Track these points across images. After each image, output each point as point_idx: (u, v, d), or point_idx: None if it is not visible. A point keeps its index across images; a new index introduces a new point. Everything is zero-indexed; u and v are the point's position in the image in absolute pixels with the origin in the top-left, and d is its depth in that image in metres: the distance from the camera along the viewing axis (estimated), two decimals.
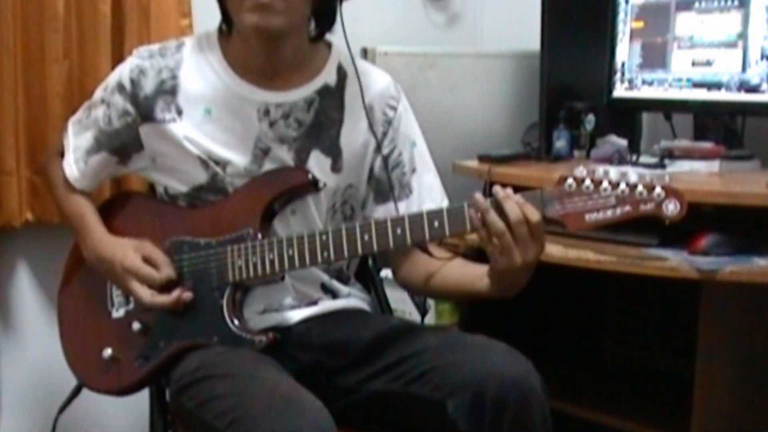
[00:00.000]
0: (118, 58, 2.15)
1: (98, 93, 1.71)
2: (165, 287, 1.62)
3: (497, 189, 1.47)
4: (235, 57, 1.64)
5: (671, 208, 1.40)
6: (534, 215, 1.44)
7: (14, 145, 2.12)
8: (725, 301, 1.88)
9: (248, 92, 1.63)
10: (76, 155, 1.72)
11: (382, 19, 2.61)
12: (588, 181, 1.43)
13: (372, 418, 1.59)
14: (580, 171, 1.44)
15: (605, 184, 1.42)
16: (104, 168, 1.72)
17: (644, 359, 2.49)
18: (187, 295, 1.61)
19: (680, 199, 1.40)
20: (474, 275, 1.56)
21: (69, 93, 2.15)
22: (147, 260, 1.63)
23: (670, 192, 1.40)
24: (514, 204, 1.44)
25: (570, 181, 1.44)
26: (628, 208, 1.41)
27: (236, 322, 1.59)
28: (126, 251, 1.64)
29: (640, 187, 1.40)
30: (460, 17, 2.86)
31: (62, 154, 1.75)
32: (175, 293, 1.61)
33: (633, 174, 1.42)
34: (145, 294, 1.62)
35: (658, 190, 1.40)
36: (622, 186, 1.41)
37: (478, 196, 1.47)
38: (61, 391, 1.79)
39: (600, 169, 1.44)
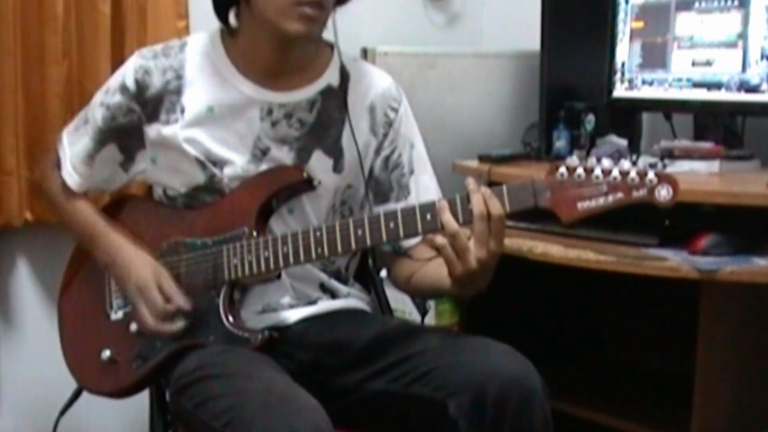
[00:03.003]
0: (117, 59, 2.16)
1: (97, 97, 1.70)
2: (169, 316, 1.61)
3: (469, 181, 1.45)
4: (240, 57, 1.64)
5: (663, 193, 1.38)
6: (496, 209, 1.42)
7: (14, 145, 2.12)
8: (725, 301, 1.88)
9: (252, 92, 1.64)
10: (74, 162, 1.71)
11: (382, 19, 2.61)
12: (580, 170, 1.41)
13: (372, 418, 1.59)
14: (572, 160, 1.43)
15: (597, 171, 1.40)
16: (108, 165, 1.71)
17: (644, 359, 2.49)
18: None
19: (673, 185, 1.38)
20: (444, 275, 1.54)
21: (68, 93, 2.16)
22: (160, 289, 1.61)
23: (662, 177, 1.38)
24: (480, 197, 1.43)
25: (562, 169, 1.42)
26: (620, 194, 1.39)
27: (231, 319, 1.59)
28: (142, 271, 1.62)
29: (632, 173, 1.39)
30: (460, 17, 2.86)
31: (59, 165, 1.74)
32: (176, 325, 1.60)
33: (626, 162, 1.40)
34: (150, 321, 1.60)
35: (650, 175, 1.38)
36: (615, 173, 1.39)
37: (442, 202, 1.46)
38: (61, 391, 1.79)
39: (593, 158, 1.42)
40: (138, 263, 1.64)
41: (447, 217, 1.44)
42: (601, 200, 1.40)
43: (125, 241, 1.68)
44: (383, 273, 1.92)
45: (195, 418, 1.48)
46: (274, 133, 1.64)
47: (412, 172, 1.72)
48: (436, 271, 1.56)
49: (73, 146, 1.72)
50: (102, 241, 1.69)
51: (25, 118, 2.14)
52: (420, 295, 1.74)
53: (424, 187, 1.72)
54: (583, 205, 1.41)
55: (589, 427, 2.13)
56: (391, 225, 1.49)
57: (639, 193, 1.39)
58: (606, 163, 1.40)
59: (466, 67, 2.56)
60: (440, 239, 1.45)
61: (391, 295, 1.90)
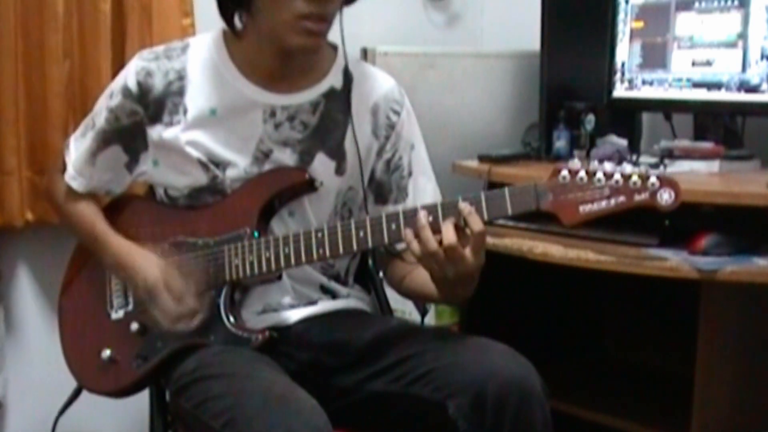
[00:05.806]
0: (119, 58, 2.16)
1: (101, 102, 1.70)
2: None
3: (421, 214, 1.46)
4: (243, 59, 1.64)
5: (666, 197, 1.38)
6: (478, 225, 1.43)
7: (15, 145, 2.12)
8: (725, 301, 1.88)
9: (255, 94, 1.63)
10: (77, 164, 1.71)
11: (382, 19, 2.61)
12: (582, 173, 1.41)
13: (371, 418, 1.59)
14: (575, 163, 1.43)
15: (599, 175, 1.40)
16: (113, 166, 1.70)
17: (644, 359, 2.49)
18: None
19: (675, 189, 1.38)
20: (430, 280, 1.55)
21: (70, 93, 2.16)
22: (169, 290, 1.59)
23: (664, 181, 1.39)
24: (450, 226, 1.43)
25: (564, 173, 1.42)
26: (622, 198, 1.40)
27: (232, 319, 1.60)
28: (149, 274, 1.61)
29: (634, 177, 1.39)
30: (460, 17, 2.86)
31: (63, 170, 1.74)
32: (192, 323, 1.59)
33: (628, 165, 1.41)
34: (164, 323, 1.59)
35: (652, 179, 1.38)
36: (617, 176, 1.39)
37: (422, 213, 1.46)
38: (64, 391, 1.79)
39: (595, 161, 1.42)
40: (144, 265, 1.63)
41: (427, 235, 1.44)
42: (603, 204, 1.41)
43: (129, 244, 1.67)
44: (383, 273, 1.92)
45: (194, 418, 1.48)
46: (277, 136, 1.64)
47: (410, 174, 1.72)
48: (427, 275, 1.56)
49: (77, 150, 1.72)
50: (107, 245, 1.68)
51: (26, 118, 2.14)
52: (410, 298, 1.75)
53: (421, 189, 1.72)
54: (585, 209, 1.41)
55: (589, 427, 2.14)
56: (393, 226, 1.49)
57: (641, 197, 1.39)
58: (608, 166, 1.41)
59: (466, 67, 2.56)
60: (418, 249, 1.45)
61: (391, 296, 1.90)
